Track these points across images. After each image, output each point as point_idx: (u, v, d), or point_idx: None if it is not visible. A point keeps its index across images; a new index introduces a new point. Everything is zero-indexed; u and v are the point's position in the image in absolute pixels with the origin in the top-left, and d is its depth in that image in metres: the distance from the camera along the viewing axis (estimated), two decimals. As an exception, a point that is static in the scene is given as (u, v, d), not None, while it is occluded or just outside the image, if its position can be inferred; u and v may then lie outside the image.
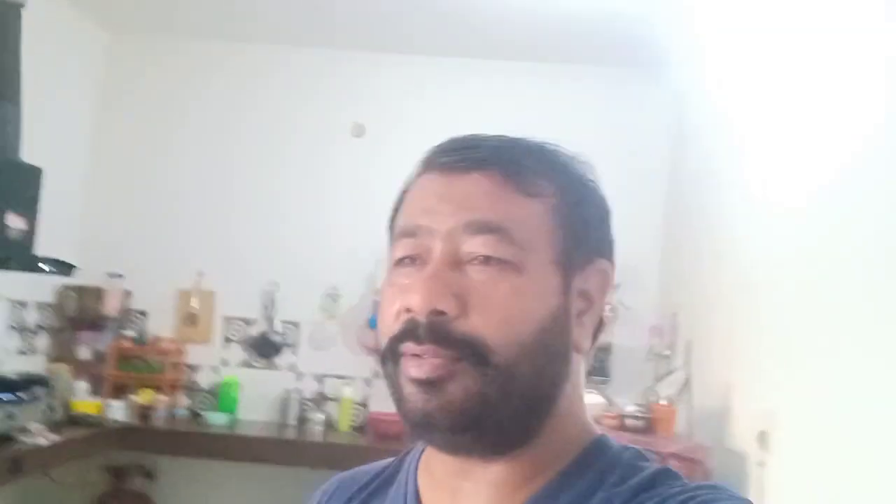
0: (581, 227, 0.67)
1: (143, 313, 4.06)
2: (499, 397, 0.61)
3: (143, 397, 3.74)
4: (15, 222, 3.09)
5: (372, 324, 3.99)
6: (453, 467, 0.66)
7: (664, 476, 0.63)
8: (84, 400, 3.63)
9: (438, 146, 0.69)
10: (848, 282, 2.07)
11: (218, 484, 3.89)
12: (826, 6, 2.44)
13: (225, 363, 4.08)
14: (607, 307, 0.69)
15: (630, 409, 2.85)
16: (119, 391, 3.85)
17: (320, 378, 4.07)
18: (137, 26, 4.16)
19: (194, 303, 4.05)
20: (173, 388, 3.92)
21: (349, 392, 3.98)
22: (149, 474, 3.82)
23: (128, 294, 3.99)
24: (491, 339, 0.61)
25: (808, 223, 2.52)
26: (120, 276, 3.92)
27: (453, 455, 0.65)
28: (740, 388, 2.94)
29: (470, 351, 0.60)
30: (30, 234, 3.19)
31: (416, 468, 0.72)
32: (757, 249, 2.92)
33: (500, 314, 0.61)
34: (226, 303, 4.07)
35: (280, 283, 4.04)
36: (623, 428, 2.81)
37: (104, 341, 3.89)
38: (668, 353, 3.61)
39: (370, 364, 3.99)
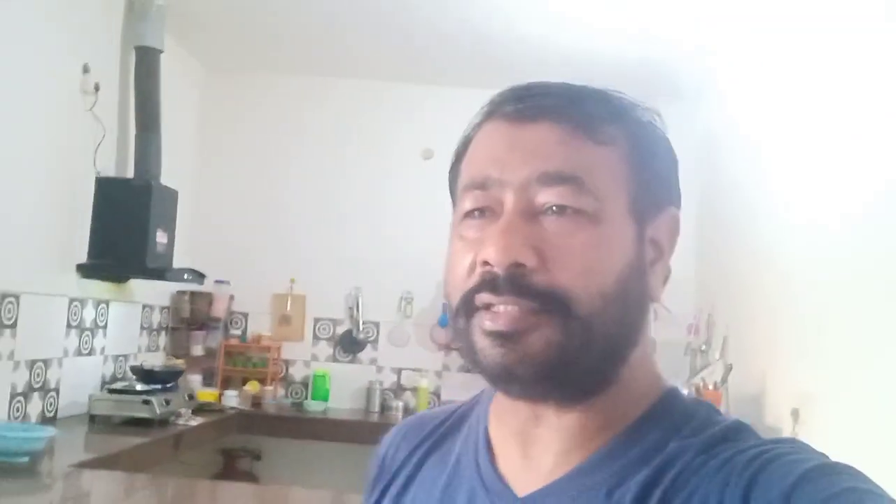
0: (652, 175, 0.66)
1: (244, 315, 4.64)
2: (580, 348, 0.60)
3: (251, 388, 4.32)
4: (161, 238, 3.67)
5: (442, 322, 4.58)
6: (525, 414, 0.65)
7: (739, 430, 0.62)
8: (199, 390, 4.21)
9: (501, 94, 0.67)
10: (871, 281, 2.63)
11: (313, 462, 4.45)
12: (838, 35, 3.02)
13: (315, 358, 4.67)
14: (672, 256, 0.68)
15: (685, 392, 3.45)
16: (225, 383, 4.43)
17: (398, 371, 4.66)
18: (230, 63, 4.73)
19: (288, 305, 4.63)
20: (273, 380, 4.49)
21: (424, 382, 4.56)
22: (256, 455, 4.40)
23: (232, 298, 4.57)
24: (573, 290, 0.59)
25: (835, 229, 3.06)
26: (226, 282, 4.50)
27: (530, 403, 0.64)
28: (775, 373, 3.52)
29: (552, 303, 0.59)
30: (170, 248, 3.77)
31: (487, 414, 0.71)
32: (787, 255, 3.48)
33: (581, 265, 0.60)
34: (315, 305, 4.66)
35: (362, 288, 4.62)
36: (679, 407, 3.40)
37: (214, 339, 4.47)
38: (704, 347, 4.20)
39: (441, 358, 4.59)
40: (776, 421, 3.43)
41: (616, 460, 0.62)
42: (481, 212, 0.63)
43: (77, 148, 3.37)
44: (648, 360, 0.67)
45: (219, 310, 4.47)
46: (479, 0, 3.66)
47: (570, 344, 0.59)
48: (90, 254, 3.46)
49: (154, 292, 4.15)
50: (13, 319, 2.98)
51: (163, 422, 3.44)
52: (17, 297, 2.99)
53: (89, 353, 3.58)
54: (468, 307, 0.62)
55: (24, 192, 3.03)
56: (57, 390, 3.31)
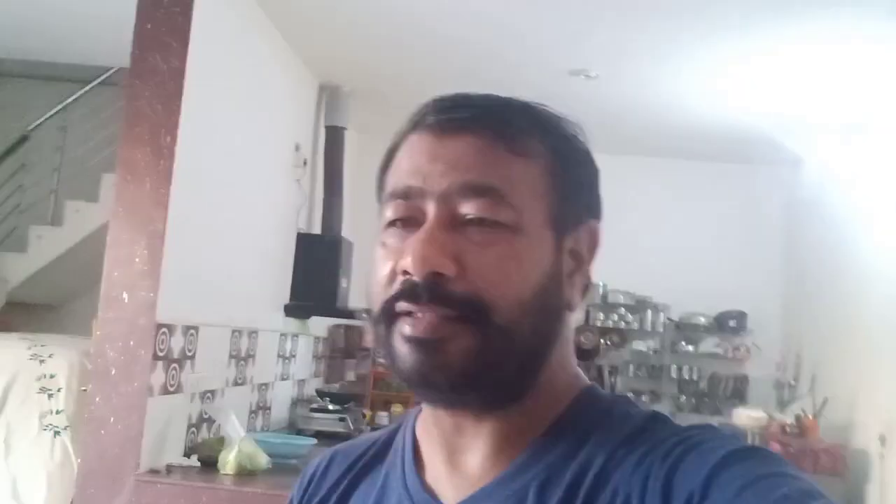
0: (572, 188, 0.67)
1: (386, 346, 5.35)
2: (497, 356, 0.61)
3: (397, 409, 5.03)
4: (343, 283, 4.41)
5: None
6: (449, 424, 0.66)
7: (654, 420, 0.64)
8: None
9: (426, 106, 0.69)
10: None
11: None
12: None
13: (446, 385, 5.36)
14: (592, 267, 0.69)
15: (789, 421, 4.10)
16: (372, 405, 5.14)
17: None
18: (375, 128, 5.46)
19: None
20: (412, 404, 5.20)
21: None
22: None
23: (377, 331, 5.28)
24: (492, 299, 0.60)
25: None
26: (374, 318, 5.21)
27: (449, 410, 0.66)
28: (863, 405, 4.17)
29: (471, 311, 0.60)
30: (348, 290, 4.50)
31: (414, 428, 0.73)
32: (874, 297, 4.12)
33: (500, 274, 0.61)
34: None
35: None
36: (784, 433, 4.06)
37: (363, 367, 5.19)
38: (793, 382, 4.86)
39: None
40: (865, 445, 4.08)
41: (540, 461, 0.63)
42: (403, 221, 0.64)
43: (287, 210, 4.14)
44: (566, 362, 0.68)
45: (367, 341, 5.19)
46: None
47: (487, 352, 0.60)
48: (292, 296, 4.20)
49: (319, 326, 4.88)
50: (255, 351, 3.72)
51: (350, 435, 4.15)
52: (256, 333, 3.74)
53: (287, 379, 4.32)
54: (388, 314, 0.63)
55: (257, 247, 3.78)
56: (269, 408, 4.05)
